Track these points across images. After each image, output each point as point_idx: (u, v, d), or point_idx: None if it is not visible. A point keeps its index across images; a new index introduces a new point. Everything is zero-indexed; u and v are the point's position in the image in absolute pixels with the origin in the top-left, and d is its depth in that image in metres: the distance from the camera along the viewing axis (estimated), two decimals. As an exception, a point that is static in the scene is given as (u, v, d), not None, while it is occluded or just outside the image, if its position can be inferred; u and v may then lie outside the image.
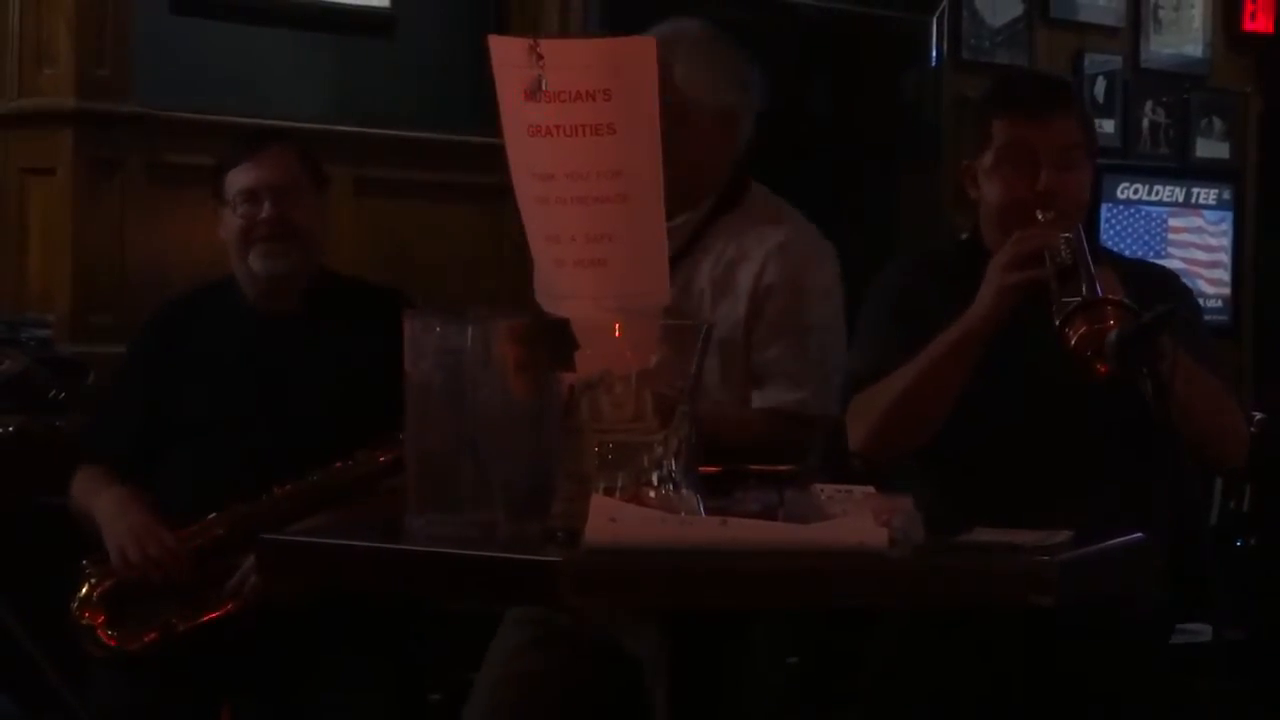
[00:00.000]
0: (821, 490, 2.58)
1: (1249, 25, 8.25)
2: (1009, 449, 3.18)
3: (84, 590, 3.65)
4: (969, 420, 3.15)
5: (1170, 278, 3.50)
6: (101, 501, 3.71)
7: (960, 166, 3.38)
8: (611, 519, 2.36)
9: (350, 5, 5.70)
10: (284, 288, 3.80)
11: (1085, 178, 3.29)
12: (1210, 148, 8.16)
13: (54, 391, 4.10)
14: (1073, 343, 2.81)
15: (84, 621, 3.64)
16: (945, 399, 3.14)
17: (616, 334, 2.51)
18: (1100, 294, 2.86)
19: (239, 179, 3.77)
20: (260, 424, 3.71)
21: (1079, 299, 2.86)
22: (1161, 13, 8.00)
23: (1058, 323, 2.86)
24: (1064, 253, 3.03)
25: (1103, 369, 2.81)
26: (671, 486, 2.47)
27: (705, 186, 3.49)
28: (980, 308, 3.12)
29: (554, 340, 2.51)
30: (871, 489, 2.61)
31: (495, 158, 2.75)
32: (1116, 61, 7.86)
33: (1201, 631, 3.98)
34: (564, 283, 2.62)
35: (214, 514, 3.64)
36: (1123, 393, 3.03)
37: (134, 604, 3.64)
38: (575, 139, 2.57)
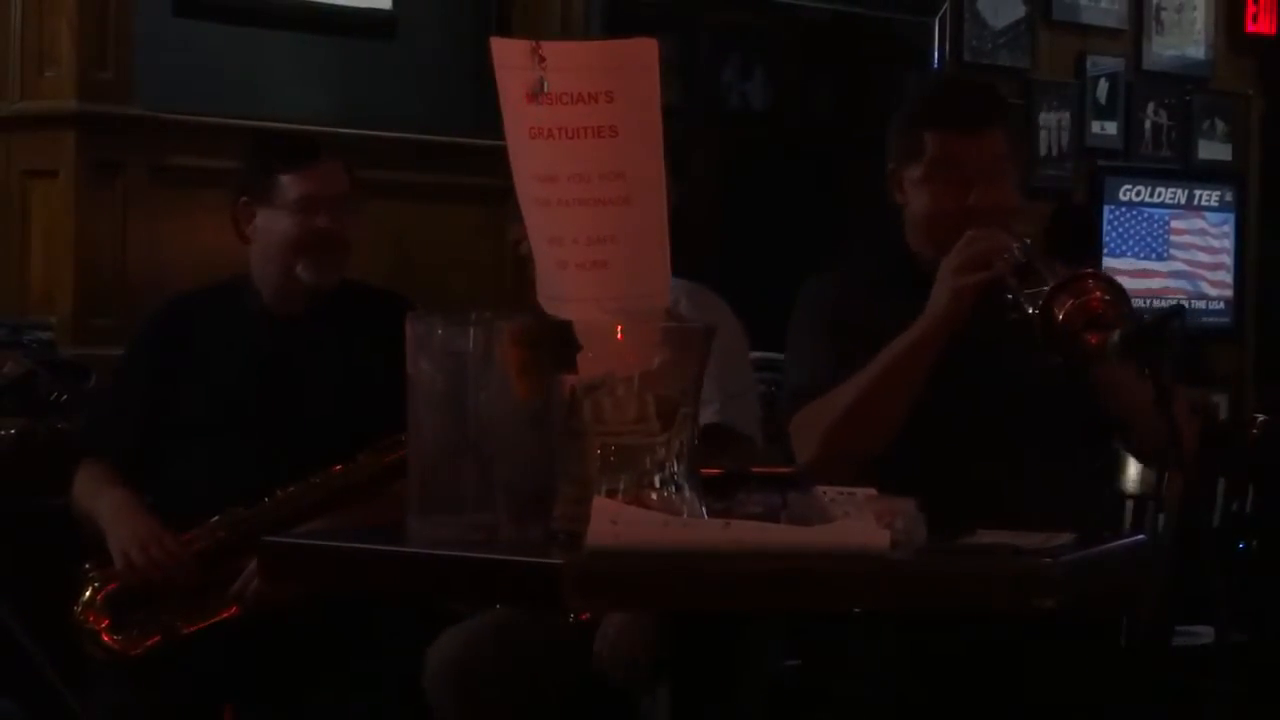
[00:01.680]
0: (824, 492, 2.58)
1: (1251, 27, 8.25)
2: (954, 454, 3.16)
3: (87, 594, 3.64)
4: (915, 427, 3.13)
5: None
6: (104, 504, 3.70)
7: (886, 171, 3.38)
8: (613, 521, 2.36)
9: (352, 7, 5.70)
10: (314, 296, 3.79)
11: (1011, 185, 3.31)
12: (1212, 149, 8.16)
13: (56, 394, 4.10)
14: (1060, 317, 2.82)
15: (87, 625, 3.63)
16: (901, 405, 3.12)
17: (619, 336, 2.51)
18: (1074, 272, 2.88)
19: (298, 185, 3.76)
20: (266, 426, 3.70)
21: (1054, 283, 2.87)
22: (1164, 14, 8.00)
23: (1032, 310, 2.86)
24: (1017, 253, 3.05)
25: (1094, 339, 2.82)
26: (674, 489, 2.47)
27: None
28: (936, 310, 3.11)
29: (556, 342, 2.51)
30: (873, 491, 2.61)
31: (497, 160, 2.75)
32: (1119, 63, 7.86)
33: (1204, 633, 3.98)
34: (566, 285, 2.62)
35: (216, 517, 3.64)
36: (1063, 394, 3.06)
37: (137, 607, 3.64)
38: (577, 141, 2.57)
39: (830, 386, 3.17)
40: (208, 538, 3.63)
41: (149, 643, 3.62)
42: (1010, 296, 3.02)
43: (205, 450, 3.72)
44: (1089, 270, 2.88)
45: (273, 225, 3.77)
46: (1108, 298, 2.81)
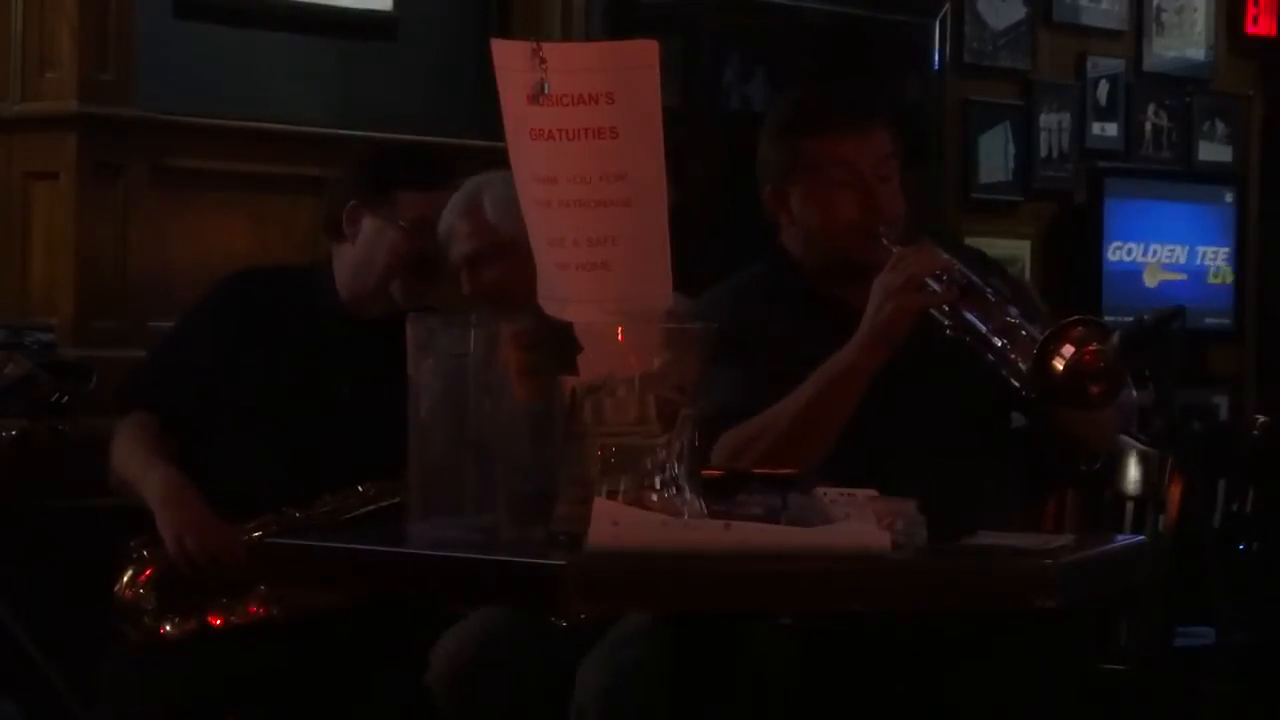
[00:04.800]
0: (824, 493, 2.59)
1: (1251, 29, 8.25)
2: (880, 467, 3.07)
3: (130, 572, 3.60)
4: (845, 443, 3.08)
5: (994, 262, 3.48)
6: (153, 480, 3.62)
7: (765, 191, 3.30)
8: (614, 522, 2.36)
9: (353, 9, 5.70)
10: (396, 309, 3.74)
11: (899, 186, 3.26)
12: (1213, 151, 8.16)
13: (57, 395, 4.09)
14: (1060, 369, 2.81)
15: (131, 603, 3.58)
16: (837, 425, 3.07)
17: (619, 337, 2.51)
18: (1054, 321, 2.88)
19: (416, 206, 3.74)
20: (323, 425, 3.66)
21: (1047, 330, 2.86)
22: (1164, 16, 8.00)
23: (1021, 365, 2.86)
24: (958, 272, 3.02)
25: (1096, 390, 2.82)
26: (674, 490, 2.47)
27: None
28: (876, 329, 3.05)
29: (557, 344, 2.51)
30: (874, 492, 2.62)
31: (498, 161, 2.76)
32: (1119, 65, 7.86)
33: (1204, 635, 3.98)
34: (566, 286, 2.62)
35: (268, 515, 3.58)
36: (992, 406, 3.11)
37: (179, 592, 3.58)
38: (577, 142, 2.57)
39: (743, 407, 3.09)
40: (259, 533, 3.58)
41: (185, 628, 3.59)
42: (947, 320, 3.01)
43: (254, 437, 3.67)
44: (1075, 318, 2.86)
45: (379, 236, 3.75)
46: (1099, 346, 2.80)
